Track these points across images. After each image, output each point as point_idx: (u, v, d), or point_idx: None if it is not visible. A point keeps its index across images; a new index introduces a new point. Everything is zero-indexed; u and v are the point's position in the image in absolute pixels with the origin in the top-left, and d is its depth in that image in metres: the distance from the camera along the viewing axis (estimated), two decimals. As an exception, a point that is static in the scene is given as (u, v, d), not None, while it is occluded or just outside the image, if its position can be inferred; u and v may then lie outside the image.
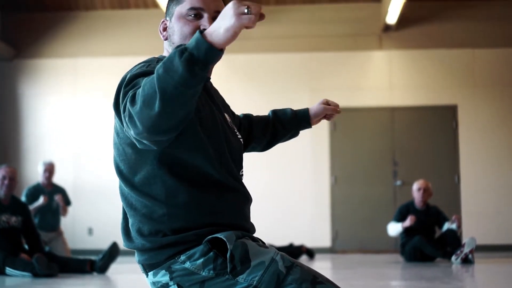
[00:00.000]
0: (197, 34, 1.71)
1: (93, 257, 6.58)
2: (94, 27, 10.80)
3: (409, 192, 8.63)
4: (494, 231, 10.16)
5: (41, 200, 7.99)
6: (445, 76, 10.51)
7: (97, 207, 10.26)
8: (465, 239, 8.00)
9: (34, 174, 9.88)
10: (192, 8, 2.11)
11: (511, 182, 10.32)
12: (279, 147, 10.88)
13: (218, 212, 2.04)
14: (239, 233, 2.04)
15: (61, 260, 6.45)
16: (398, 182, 10.35)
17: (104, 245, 6.88)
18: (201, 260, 1.97)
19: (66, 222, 8.65)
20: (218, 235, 1.97)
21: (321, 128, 10.32)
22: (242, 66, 10.39)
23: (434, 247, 7.84)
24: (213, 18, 2.10)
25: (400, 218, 8.11)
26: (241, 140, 2.28)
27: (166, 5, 2.24)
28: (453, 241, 7.88)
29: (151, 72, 1.89)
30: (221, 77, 10.56)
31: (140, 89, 1.77)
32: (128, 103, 1.81)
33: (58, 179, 8.73)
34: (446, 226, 8.06)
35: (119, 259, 7.22)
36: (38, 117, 10.71)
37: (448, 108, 10.49)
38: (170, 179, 2.00)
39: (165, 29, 2.21)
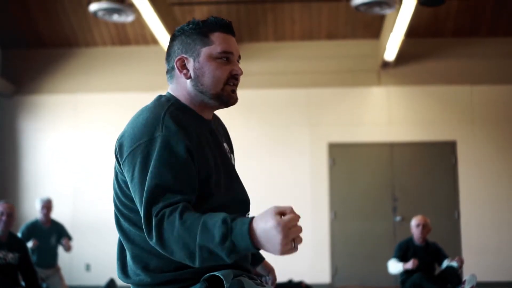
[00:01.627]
0: (245, 227, 1.70)
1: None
2: (94, 63, 10.87)
3: (408, 228, 8.60)
4: (495, 268, 10.10)
5: (30, 244, 7.76)
6: (443, 112, 10.54)
7: (95, 243, 10.21)
8: (465, 276, 7.94)
9: (32, 210, 9.85)
10: (224, 52, 2.12)
11: None
12: (278, 182, 10.90)
13: None
14: (237, 271, 2.04)
15: (58, 297, 6.41)
16: (398, 218, 10.31)
17: (102, 281, 6.84)
18: None
19: (63, 258, 8.59)
20: (216, 273, 1.96)
21: (320, 163, 10.33)
22: (243, 100, 10.33)
23: (434, 284, 7.78)
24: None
25: (401, 255, 8.06)
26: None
27: (179, 41, 2.17)
28: (453, 278, 7.82)
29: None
30: (222, 112, 10.59)
31: (171, 234, 1.78)
32: (155, 225, 1.82)
33: (56, 214, 8.70)
34: (446, 263, 8.02)
35: (117, 296, 7.18)
36: (38, 153, 10.71)
37: (447, 144, 10.50)
38: None
39: (183, 66, 2.15)
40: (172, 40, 2.20)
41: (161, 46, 9.65)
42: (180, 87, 2.17)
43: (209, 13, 10.48)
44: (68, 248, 8.34)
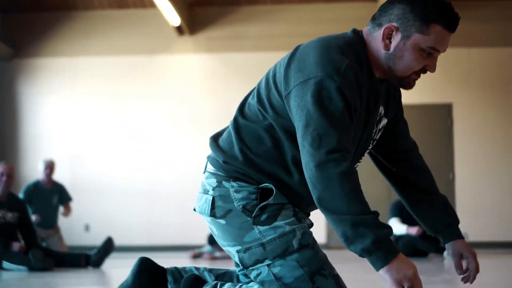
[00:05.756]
0: (384, 261, 1.91)
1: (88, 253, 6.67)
2: (93, 27, 10.89)
3: (403, 189, 8.69)
4: (488, 228, 10.23)
5: (33, 217, 7.69)
6: (440, 75, 10.52)
7: (93, 204, 10.36)
8: (458, 235, 8.07)
9: (31, 172, 9.99)
10: (433, 48, 2.05)
11: (506, 179, 10.39)
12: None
13: (292, 187, 2.17)
14: (290, 204, 2.17)
15: (56, 254, 6.55)
16: (394, 180, 10.40)
17: (100, 241, 6.97)
18: (243, 195, 2.12)
19: (63, 219, 8.73)
20: (273, 188, 2.12)
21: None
22: (240, 64, 10.46)
23: (427, 242, 7.91)
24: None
25: (399, 215, 8.15)
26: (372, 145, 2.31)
27: (402, 8, 2.06)
28: (446, 236, 7.94)
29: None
30: (219, 75, 10.66)
31: (327, 182, 1.94)
32: (315, 151, 1.95)
33: (56, 176, 8.82)
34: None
35: (114, 254, 7.31)
36: (37, 116, 10.80)
37: (443, 106, 10.56)
38: (285, 143, 2.13)
39: (389, 35, 2.08)
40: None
41: (159, 9, 9.67)
42: (374, 44, 2.12)
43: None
44: (67, 214, 8.48)
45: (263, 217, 2.09)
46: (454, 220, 2.37)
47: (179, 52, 10.76)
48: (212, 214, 2.16)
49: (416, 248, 7.89)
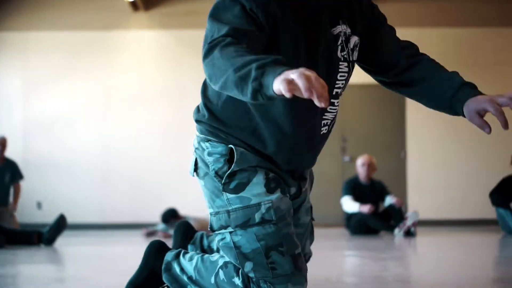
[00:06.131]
0: (274, 75, 1.61)
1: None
2: (44, 1, 10.66)
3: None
4: (438, 206, 10.44)
5: None
6: (393, 55, 10.69)
7: (46, 181, 10.23)
8: (408, 213, 8.23)
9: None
10: None
11: (456, 159, 10.60)
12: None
13: (259, 135, 2.12)
14: (267, 164, 2.12)
15: (8, 231, 6.46)
16: (347, 158, 10.54)
17: (53, 218, 6.91)
18: (214, 157, 2.13)
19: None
20: (239, 149, 2.10)
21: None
22: (195, 41, 10.36)
23: (378, 220, 8.05)
24: None
25: (351, 193, 8.26)
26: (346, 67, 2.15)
27: None
28: (396, 215, 8.09)
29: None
30: (174, 52, 10.58)
31: (211, 61, 1.78)
32: (203, 51, 1.84)
33: (7, 152, 8.69)
34: (388, 200, 8.26)
35: (66, 231, 7.27)
36: (-13, 91, 10.58)
37: (396, 86, 10.68)
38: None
39: None
40: None
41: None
42: None
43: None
44: (16, 196, 8.41)
45: (232, 184, 2.09)
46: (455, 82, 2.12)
47: (133, 28, 10.65)
48: (196, 174, 2.21)
49: (368, 226, 8.01)
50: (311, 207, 2.38)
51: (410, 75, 2.25)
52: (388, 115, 10.72)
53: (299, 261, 2.05)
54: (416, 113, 10.58)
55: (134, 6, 10.44)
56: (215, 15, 1.91)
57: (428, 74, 2.22)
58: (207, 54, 1.81)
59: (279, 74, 1.58)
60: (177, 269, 2.29)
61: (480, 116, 1.98)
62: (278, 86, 1.56)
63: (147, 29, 10.65)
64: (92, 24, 10.57)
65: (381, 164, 9.66)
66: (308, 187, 2.34)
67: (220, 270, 2.15)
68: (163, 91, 10.48)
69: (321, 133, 2.19)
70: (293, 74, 1.54)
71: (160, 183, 10.23)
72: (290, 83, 1.54)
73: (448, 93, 2.11)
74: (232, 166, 2.08)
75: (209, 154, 2.14)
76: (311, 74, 1.55)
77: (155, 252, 2.38)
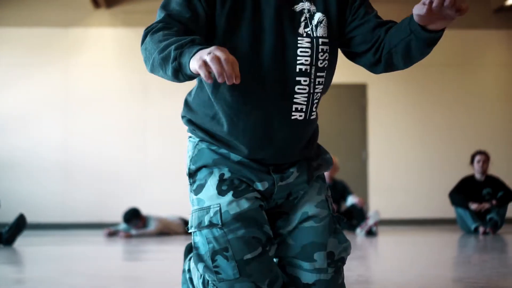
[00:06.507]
0: (190, 55, 1.73)
1: (-1, 230, 6.51)
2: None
3: (318, 167, 8.84)
4: (398, 206, 10.54)
5: None
6: (355, 55, 10.76)
7: (5, 179, 10.06)
8: (370, 213, 8.31)
9: None
10: None
11: (416, 160, 10.71)
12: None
13: (219, 115, 2.12)
14: (225, 161, 2.13)
15: (-34, 232, 6.36)
16: (309, 158, 10.57)
17: (12, 218, 6.81)
18: (188, 154, 2.23)
19: (-28, 196, 8.48)
20: (198, 146, 2.19)
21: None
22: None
23: (340, 220, 8.09)
24: None
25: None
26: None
27: None
28: (358, 214, 8.16)
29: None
30: (135, 50, 10.51)
31: (144, 46, 1.90)
32: (143, 36, 1.93)
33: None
34: (350, 200, 8.33)
35: (26, 231, 7.17)
36: None
37: (358, 86, 10.77)
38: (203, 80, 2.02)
39: None
40: None
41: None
42: None
43: None
44: None
45: (194, 186, 2.15)
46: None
47: (94, 25, 10.54)
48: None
49: (330, 225, 8.05)
50: (326, 200, 2.33)
51: (389, 43, 2.23)
52: (349, 115, 10.79)
53: (247, 267, 2.00)
54: (378, 113, 10.68)
55: (96, 3, 10.33)
56: (163, 5, 2.03)
57: (392, 32, 2.24)
58: (142, 40, 1.93)
59: (194, 53, 1.70)
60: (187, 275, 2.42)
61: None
62: (194, 65, 1.68)
63: (109, 26, 10.56)
64: (52, 20, 10.43)
65: (343, 164, 9.74)
66: (309, 177, 2.30)
67: (197, 271, 2.21)
68: (125, 89, 10.40)
69: (292, 118, 2.10)
70: (206, 56, 1.65)
71: (122, 183, 10.15)
72: (205, 65, 1.65)
73: (405, 28, 2.17)
74: (189, 166, 2.17)
75: (187, 151, 2.24)
76: (221, 54, 1.65)
77: (187, 252, 2.55)
